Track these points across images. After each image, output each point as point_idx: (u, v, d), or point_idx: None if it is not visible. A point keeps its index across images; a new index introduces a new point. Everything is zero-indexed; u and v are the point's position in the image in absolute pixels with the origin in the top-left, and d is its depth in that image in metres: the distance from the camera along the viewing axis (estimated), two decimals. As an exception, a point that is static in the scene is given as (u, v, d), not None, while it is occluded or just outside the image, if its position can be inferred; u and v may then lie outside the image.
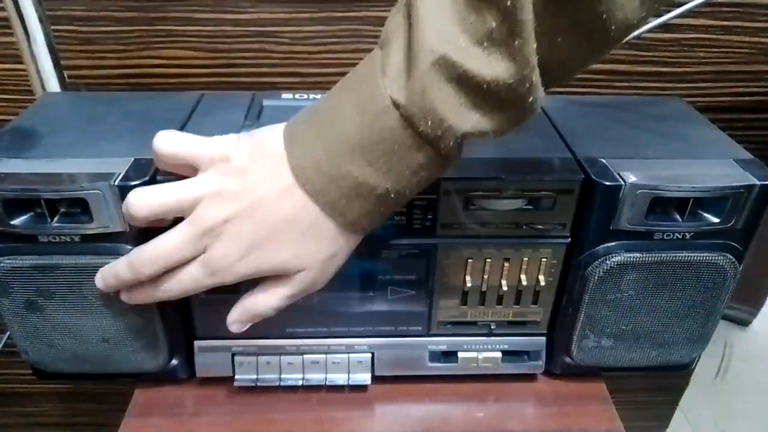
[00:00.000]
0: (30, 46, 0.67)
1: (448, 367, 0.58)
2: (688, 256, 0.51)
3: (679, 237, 0.51)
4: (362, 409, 0.58)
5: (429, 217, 0.50)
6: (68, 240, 0.48)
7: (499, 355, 0.58)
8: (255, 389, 0.58)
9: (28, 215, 0.48)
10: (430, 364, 0.58)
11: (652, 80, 0.71)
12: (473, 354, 0.58)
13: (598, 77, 0.70)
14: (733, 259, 0.51)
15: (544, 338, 0.58)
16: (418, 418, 0.57)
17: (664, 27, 0.65)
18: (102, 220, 0.47)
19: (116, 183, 0.46)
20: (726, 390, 1.24)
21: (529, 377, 0.60)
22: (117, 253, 0.49)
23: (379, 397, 0.59)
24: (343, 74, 0.68)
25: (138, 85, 0.69)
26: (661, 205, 0.50)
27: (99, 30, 0.66)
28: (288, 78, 0.70)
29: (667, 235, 0.50)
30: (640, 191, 0.48)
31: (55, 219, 0.48)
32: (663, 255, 0.51)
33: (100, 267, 0.49)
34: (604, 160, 0.50)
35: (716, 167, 0.50)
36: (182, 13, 0.65)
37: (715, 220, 0.50)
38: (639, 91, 0.71)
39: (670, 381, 1.02)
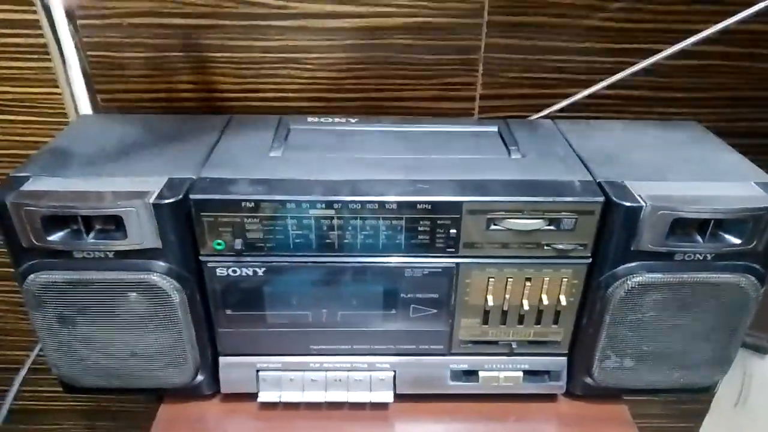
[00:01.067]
0: (66, 71, 0.70)
1: (469, 386, 0.59)
2: (709, 278, 0.51)
3: (700, 258, 0.51)
4: (384, 427, 0.58)
5: (452, 236, 0.51)
6: (102, 256, 0.50)
7: (520, 374, 0.58)
8: (278, 406, 0.59)
9: (64, 232, 0.49)
10: (452, 383, 0.59)
11: (670, 105, 0.72)
12: (494, 373, 0.58)
13: (616, 102, 0.71)
14: (755, 281, 0.52)
15: (565, 358, 0.58)
16: (439, 438, 0.57)
17: (682, 53, 0.66)
18: (136, 237, 0.49)
19: (151, 201, 0.48)
20: (745, 419, 1.21)
21: (550, 398, 0.60)
22: (149, 269, 0.50)
23: (401, 416, 0.59)
24: (366, 99, 0.72)
25: (168, 108, 0.72)
26: (681, 227, 0.50)
27: (132, 56, 0.69)
28: (313, 102, 0.72)
29: (688, 256, 0.51)
30: (660, 212, 0.48)
31: (90, 235, 0.50)
32: (684, 276, 0.51)
33: (132, 283, 0.50)
34: (624, 182, 0.51)
35: (737, 189, 0.51)
36: (212, 40, 0.68)
37: (737, 241, 0.50)
38: (656, 117, 0.72)
39: (689, 407, 1.01)
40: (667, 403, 1.00)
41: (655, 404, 1.00)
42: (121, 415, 1.03)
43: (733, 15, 0.57)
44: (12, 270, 0.51)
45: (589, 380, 0.58)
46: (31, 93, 0.72)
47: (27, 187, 0.49)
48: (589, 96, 0.67)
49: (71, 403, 1.01)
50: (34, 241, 0.49)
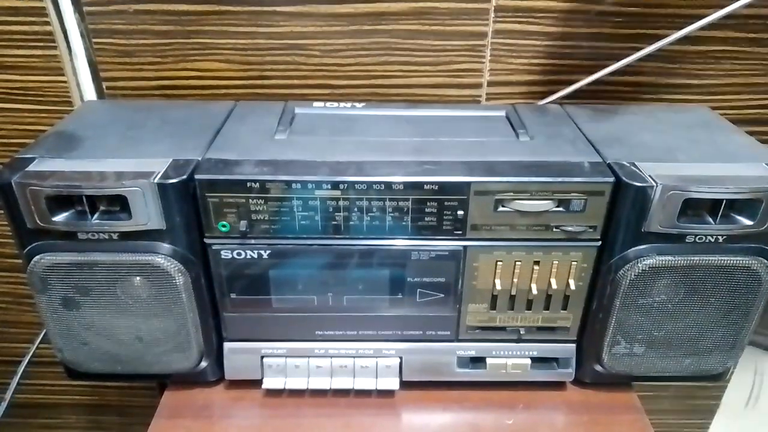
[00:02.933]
0: (71, 59, 0.70)
1: (477, 373, 0.58)
2: (721, 260, 0.50)
3: (712, 240, 0.50)
4: (390, 415, 0.57)
5: (459, 218, 0.50)
6: (106, 237, 0.50)
7: (528, 361, 0.57)
8: (283, 393, 0.58)
9: (69, 212, 0.49)
10: (459, 370, 0.58)
11: (679, 92, 0.71)
12: (502, 360, 0.57)
13: (624, 89, 0.71)
14: (768, 264, 0.51)
15: (573, 345, 0.57)
16: (446, 425, 0.57)
17: (690, 39, 0.66)
18: (140, 217, 0.48)
19: (155, 180, 0.47)
20: (757, 420, 1.20)
21: (559, 385, 0.60)
22: (154, 251, 0.50)
23: (407, 403, 0.58)
24: (372, 86, 0.71)
25: (173, 96, 0.71)
26: (693, 208, 0.49)
27: (137, 43, 0.69)
28: (318, 90, 0.71)
29: (699, 238, 0.50)
30: (671, 192, 0.48)
31: (95, 216, 0.49)
32: (695, 258, 0.50)
33: (136, 265, 0.50)
34: (634, 163, 0.50)
35: (748, 170, 0.50)
36: (217, 27, 0.67)
37: (749, 222, 0.49)
38: (665, 104, 0.71)
39: (699, 403, 1.00)
40: (677, 399, 0.99)
41: (664, 400, 0.99)
42: (127, 410, 1.03)
43: (743, -2, 0.57)
44: (16, 261, 0.51)
45: (598, 367, 0.57)
46: (36, 81, 0.71)
47: (32, 168, 0.49)
48: (598, 82, 0.66)
49: (76, 397, 1.01)
50: (39, 222, 0.48)
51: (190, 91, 0.71)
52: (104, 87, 0.71)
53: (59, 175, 0.48)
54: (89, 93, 0.71)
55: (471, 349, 0.57)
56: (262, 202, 0.49)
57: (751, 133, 0.57)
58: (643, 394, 0.61)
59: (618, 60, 0.64)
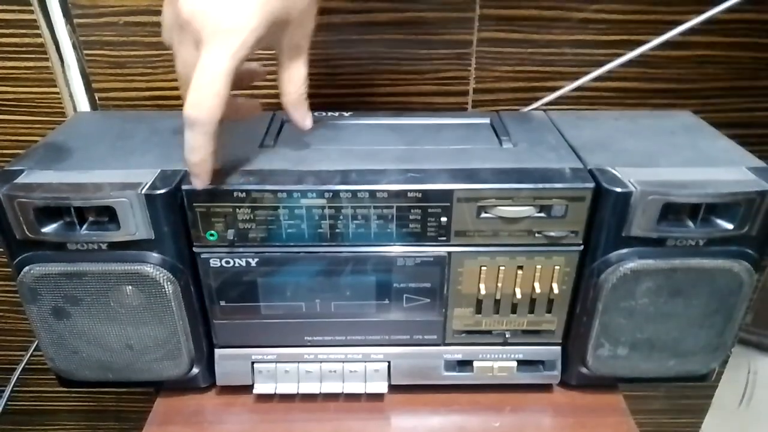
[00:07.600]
0: (64, 70, 0.71)
1: (464, 376, 0.59)
2: (702, 263, 0.51)
3: (693, 244, 0.51)
4: (379, 418, 0.58)
5: (443, 224, 0.51)
6: (95, 248, 0.50)
7: (514, 364, 0.58)
8: (274, 398, 0.59)
9: (58, 223, 0.50)
10: (446, 374, 0.59)
11: (663, 97, 0.72)
12: (488, 363, 0.58)
13: (608, 95, 0.72)
14: (749, 267, 0.51)
15: (559, 348, 0.58)
16: (434, 428, 0.57)
17: (673, 44, 0.67)
18: (129, 228, 0.49)
19: (143, 192, 0.48)
20: (750, 418, 1.21)
21: (545, 388, 0.60)
22: (143, 261, 0.51)
23: (396, 407, 0.59)
24: (360, 95, 0.72)
25: (165, 106, 0.72)
26: (673, 212, 0.50)
27: (128, 54, 0.70)
28: (308, 99, 0.72)
29: (680, 242, 0.51)
30: (651, 197, 0.48)
31: (84, 227, 0.50)
32: (676, 262, 0.51)
33: (126, 274, 0.51)
34: (614, 169, 0.51)
35: (728, 174, 0.51)
36: (207, 37, 0.68)
37: (729, 226, 0.50)
38: (650, 108, 0.72)
39: (690, 403, 1.00)
40: (668, 399, 1.00)
41: (656, 400, 1.00)
42: (124, 416, 1.04)
43: (722, 3, 0.58)
44: (11, 270, 0.52)
45: (583, 369, 0.57)
46: (29, 93, 0.73)
47: (21, 180, 0.50)
48: (582, 88, 0.67)
49: (74, 403, 1.02)
50: (28, 234, 0.49)
51: (180, 102, 0.72)
52: (96, 98, 0.72)
53: (47, 186, 0.49)
54: (83, 104, 0.72)
55: (458, 352, 0.58)
56: (249, 211, 0.50)
57: (733, 137, 0.58)
58: (635, 394, 0.62)
59: (601, 66, 0.65)
